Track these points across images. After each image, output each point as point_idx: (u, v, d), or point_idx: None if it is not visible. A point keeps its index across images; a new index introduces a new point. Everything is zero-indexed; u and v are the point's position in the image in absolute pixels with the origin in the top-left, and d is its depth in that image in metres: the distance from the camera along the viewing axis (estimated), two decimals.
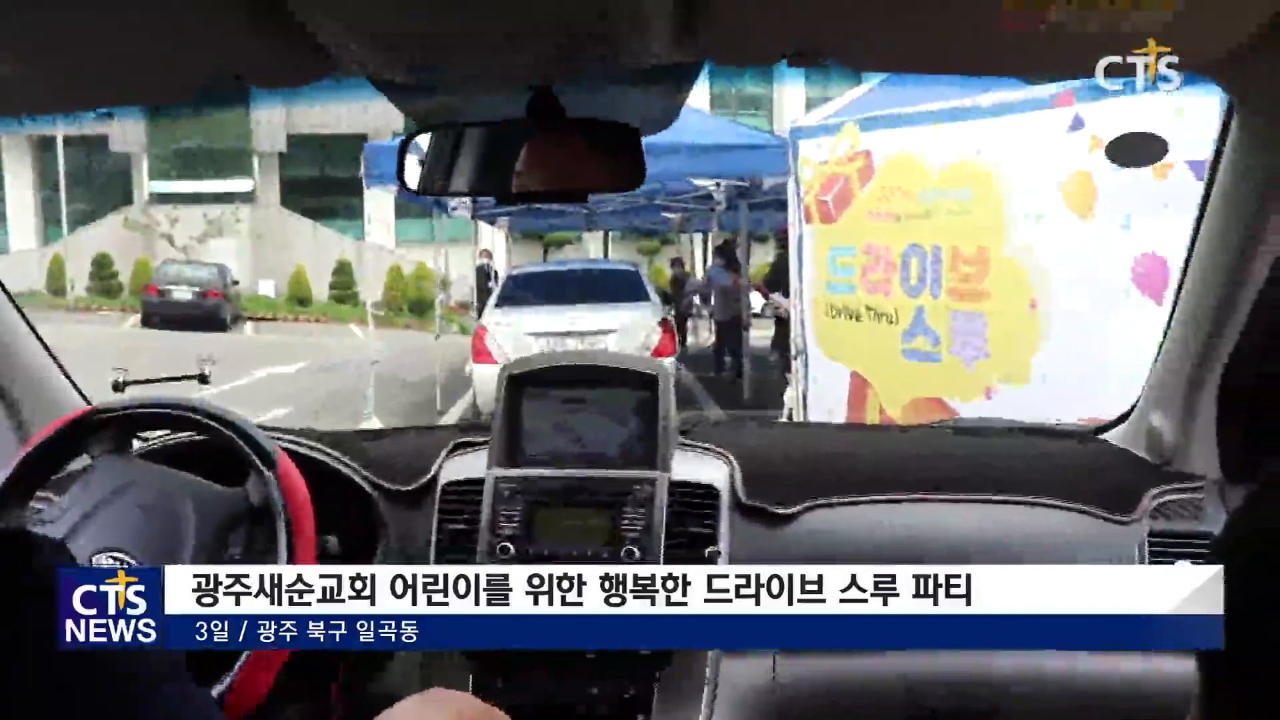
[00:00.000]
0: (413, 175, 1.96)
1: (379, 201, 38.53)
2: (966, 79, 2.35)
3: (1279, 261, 1.87)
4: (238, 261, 32.98)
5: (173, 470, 2.07)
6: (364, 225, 37.99)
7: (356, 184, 13.16)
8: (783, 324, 12.46)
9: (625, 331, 11.92)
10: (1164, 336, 2.25)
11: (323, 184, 35.65)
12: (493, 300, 13.30)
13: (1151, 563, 2.06)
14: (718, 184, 16.10)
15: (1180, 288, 2.15)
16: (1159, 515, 2.17)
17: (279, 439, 2.20)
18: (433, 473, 2.33)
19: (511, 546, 2.15)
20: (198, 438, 2.19)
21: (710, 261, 19.18)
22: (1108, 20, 1.37)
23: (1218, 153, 1.94)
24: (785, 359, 11.25)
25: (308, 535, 1.96)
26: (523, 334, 11.53)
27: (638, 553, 2.10)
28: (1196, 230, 2.05)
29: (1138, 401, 2.41)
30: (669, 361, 11.69)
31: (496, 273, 20.21)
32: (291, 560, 1.89)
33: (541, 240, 37.67)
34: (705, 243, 26.62)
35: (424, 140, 1.96)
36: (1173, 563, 2.02)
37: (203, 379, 2.95)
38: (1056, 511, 2.21)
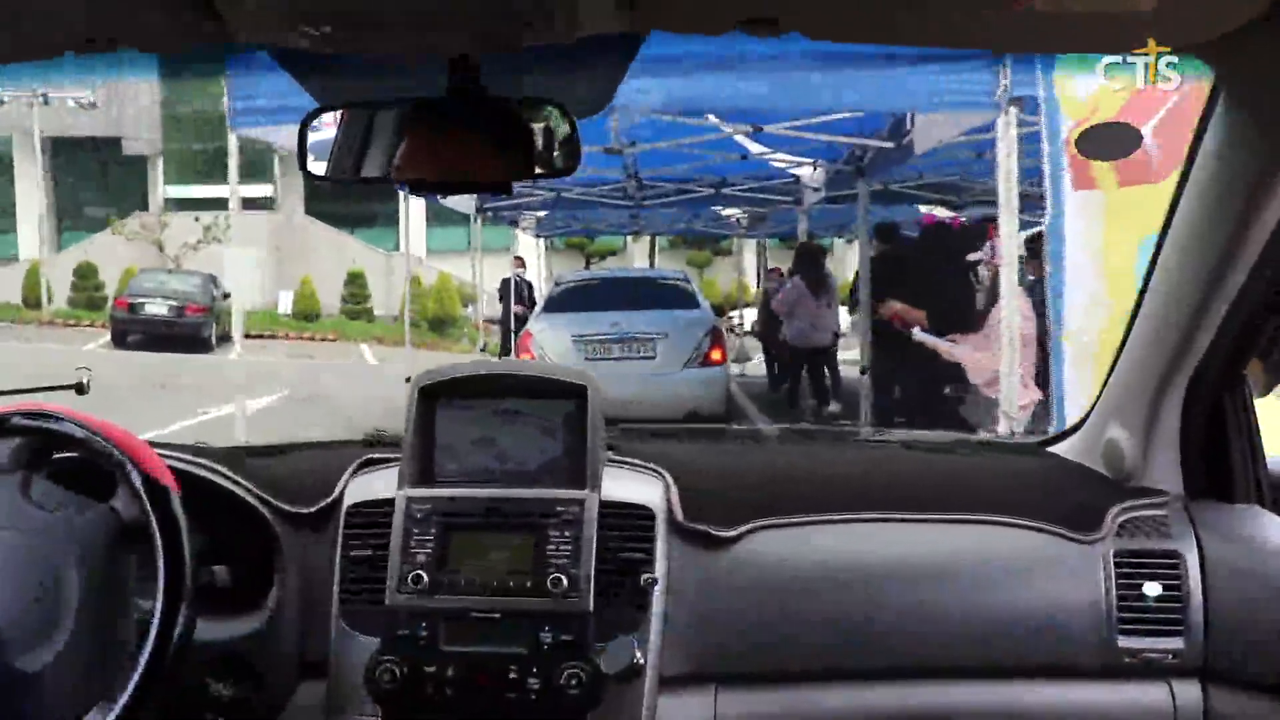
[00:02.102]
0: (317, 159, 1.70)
1: (412, 206, 35.92)
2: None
3: (1263, 261, 1.69)
4: (259, 272, 29.27)
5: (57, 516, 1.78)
6: (398, 234, 35.31)
7: (388, 191, 12.50)
8: (911, 355, 7.38)
9: (673, 337, 10.74)
10: (1121, 345, 2.05)
11: (351, 190, 30.91)
12: (539, 308, 12.33)
13: (1118, 583, 1.91)
14: (814, 164, 11.09)
15: (1144, 291, 1.95)
16: (1124, 533, 1.95)
17: (160, 455, 1.91)
18: (336, 493, 2.04)
19: (425, 575, 1.89)
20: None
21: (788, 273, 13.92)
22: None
23: (1196, 142, 1.73)
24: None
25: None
26: (568, 338, 10.67)
27: (565, 581, 1.86)
28: (1167, 226, 1.85)
29: (1089, 414, 2.20)
30: (719, 371, 10.91)
31: (530, 285, 17.28)
32: (172, 584, 1.71)
33: (582, 251, 35.28)
34: (762, 253, 21.29)
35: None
36: (1140, 584, 1.89)
37: (80, 389, 2.69)
38: (1017, 530, 1.97)
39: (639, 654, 1.87)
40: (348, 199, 32.90)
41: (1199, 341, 1.86)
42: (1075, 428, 2.28)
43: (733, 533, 1.98)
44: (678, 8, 1.37)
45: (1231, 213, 1.69)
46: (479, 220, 14.67)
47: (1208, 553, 1.91)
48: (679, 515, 1.99)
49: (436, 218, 33.32)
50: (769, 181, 12.58)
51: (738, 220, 19.12)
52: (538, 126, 1.62)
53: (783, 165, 11.94)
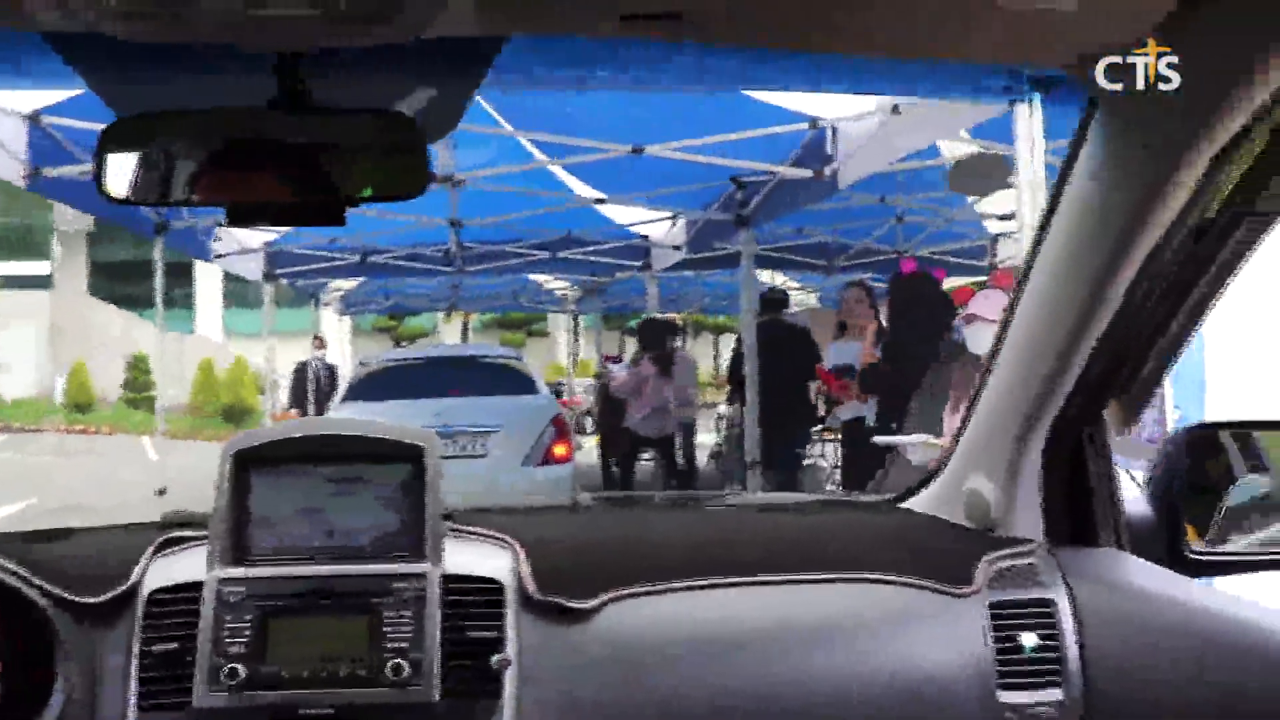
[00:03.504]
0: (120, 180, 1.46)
1: (207, 286, 33.08)
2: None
3: (1131, 293, 1.63)
4: (35, 356, 26.89)
5: None
6: (192, 316, 32.94)
7: (183, 268, 11.27)
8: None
9: (509, 430, 8.75)
10: (978, 393, 1.98)
11: (141, 268, 28.61)
12: (339, 396, 10.00)
13: (995, 635, 1.78)
14: (674, 219, 9.05)
15: (1001, 338, 1.87)
16: (996, 584, 1.84)
17: None
18: (134, 579, 1.74)
19: (241, 669, 1.61)
20: None
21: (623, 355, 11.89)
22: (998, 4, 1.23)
23: (1067, 169, 1.63)
24: None
25: None
26: None
27: (406, 668, 1.61)
28: (1030, 265, 1.77)
29: (942, 466, 2.11)
30: (565, 470, 8.82)
31: (333, 370, 14.30)
32: None
33: (391, 334, 33.42)
34: (575, 328, 19.19)
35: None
36: (1016, 635, 1.77)
37: None
38: (890, 587, 1.84)
39: None
40: (137, 277, 30.04)
41: (1063, 384, 1.79)
42: (927, 481, 2.16)
43: (590, 604, 1.76)
44: (555, 2, 1.24)
45: (1105, 241, 1.60)
46: (271, 288, 11.93)
47: (1079, 599, 1.79)
48: (530, 588, 1.75)
49: (236, 297, 30.95)
50: (611, 244, 10.45)
51: (565, 295, 16.97)
52: (377, 143, 1.47)
53: (629, 222, 9.83)
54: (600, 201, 8.37)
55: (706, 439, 14.33)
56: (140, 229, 8.27)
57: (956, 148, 6.89)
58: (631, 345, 12.67)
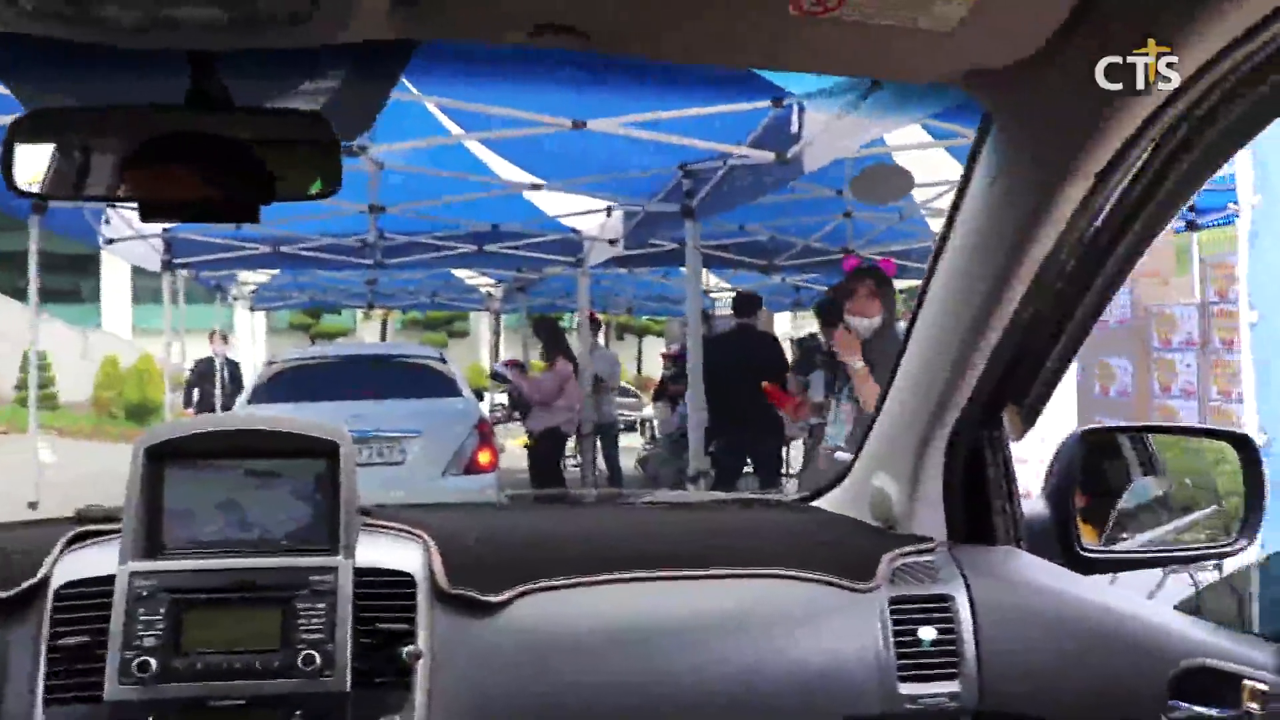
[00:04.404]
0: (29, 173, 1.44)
1: (115, 280, 31.60)
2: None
3: (1024, 304, 1.68)
4: None
5: None
6: (98, 310, 31.48)
7: (90, 260, 10.41)
8: None
9: (430, 435, 8.06)
10: (884, 394, 2.03)
11: (45, 261, 26.63)
12: (244, 396, 9.23)
13: (895, 629, 1.83)
14: (609, 211, 8.35)
15: (907, 339, 1.91)
16: (897, 580, 1.91)
17: None
18: (43, 572, 1.72)
19: (153, 661, 1.59)
20: None
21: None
22: (888, 20, 1.24)
23: (965, 181, 1.67)
24: None
25: None
26: None
27: (318, 658, 1.61)
28: (932, 270, 1.80)
29: (851, 466, 2.17)
30: (489, 480, 8.10)
31: (236, 366, 13.34)
32: None
33: (308, 332, 32.52)
34: (498, 327, 18.38)
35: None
36: (915, 629, 1.81)
37: None
38: (795, 583, 1.89)
39: None
40: (42, 270, 28.31)
41: (962, 388, 1.84)
42: (835, 482, 2.21)
43: (500, 597, 1.78)
44: (464, 10, 1.27)
45: (999, 252, 1.65)
46: (173, 278, 10.94)
47: (975, 594, 1.85)
48: (442, 581, 1.76)
49: (147, 292, 29.60)
50: (542, 238, 9.68)
51: (489, 292, 16.12)
52: (291, 141, 1.48)
53: (560, 214, 9.08)
54: (536, 187, 7.60)
55: (631, 441, 13.70)
56: (13, 209, 7.33)
57: (906, 136, 6.32)
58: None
